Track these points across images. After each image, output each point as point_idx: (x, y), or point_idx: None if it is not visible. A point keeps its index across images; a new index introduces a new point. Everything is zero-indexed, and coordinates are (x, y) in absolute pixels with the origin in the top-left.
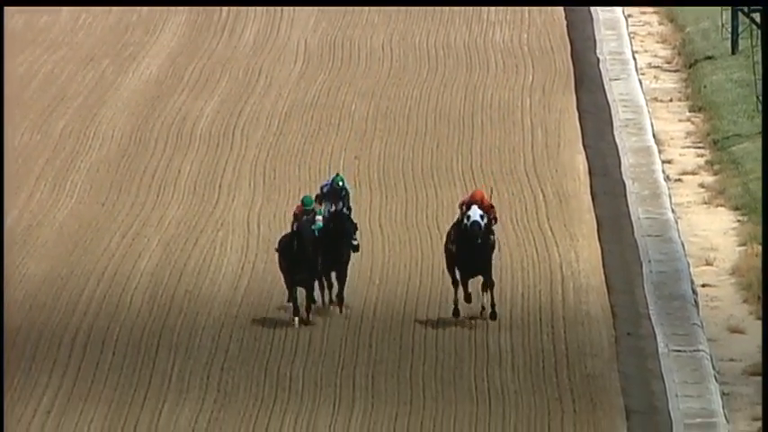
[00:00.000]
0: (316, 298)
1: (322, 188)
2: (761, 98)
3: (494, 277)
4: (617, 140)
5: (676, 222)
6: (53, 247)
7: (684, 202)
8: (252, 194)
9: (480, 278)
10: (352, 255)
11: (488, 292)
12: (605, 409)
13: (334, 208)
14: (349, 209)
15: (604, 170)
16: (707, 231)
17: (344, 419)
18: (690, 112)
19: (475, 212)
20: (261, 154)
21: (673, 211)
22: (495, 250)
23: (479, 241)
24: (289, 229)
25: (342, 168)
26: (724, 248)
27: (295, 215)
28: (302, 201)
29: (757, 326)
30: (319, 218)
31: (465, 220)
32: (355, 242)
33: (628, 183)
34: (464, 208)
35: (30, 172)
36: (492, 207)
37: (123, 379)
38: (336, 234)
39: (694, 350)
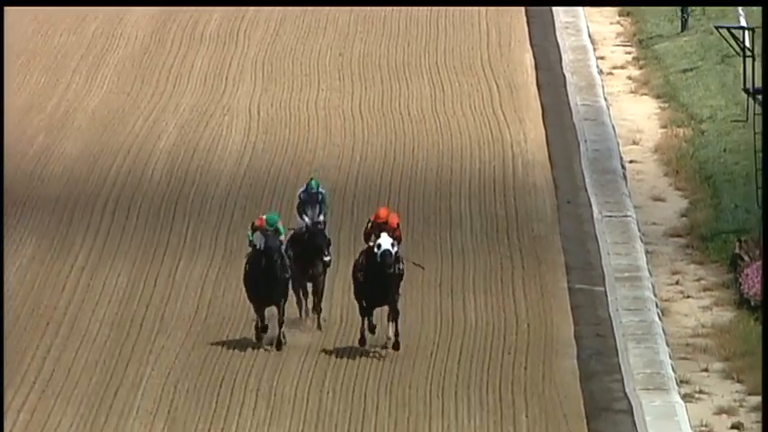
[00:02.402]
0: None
1: (300, 195)
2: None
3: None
4: (558, 40)
5: (608, 109)
6: (86, 129)
7: (615, 92)
8: (253, 85)
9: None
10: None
11: (394, 322)
12: (549, 265)
13: (309, 220)
14: (325, 215)
15: (548, 65)
16: (634, 116)
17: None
18: (619, 16)
19: (385, 241)
20: (260, 52)
21: (605, 99)
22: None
23: (391, 270)
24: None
25: (327, 64)
26: (648, 130)
27: (253, 225)
28: (266, 220)
29: (675, 195)
30: (282, 238)
31: (376, 249)
32: (327, 258)
33: (567, 75)
34: (372, 236)
35: (66, 67)
36: (397, 227)
37: (145, 240)
38: (311, 248)
39: (623, 216)
